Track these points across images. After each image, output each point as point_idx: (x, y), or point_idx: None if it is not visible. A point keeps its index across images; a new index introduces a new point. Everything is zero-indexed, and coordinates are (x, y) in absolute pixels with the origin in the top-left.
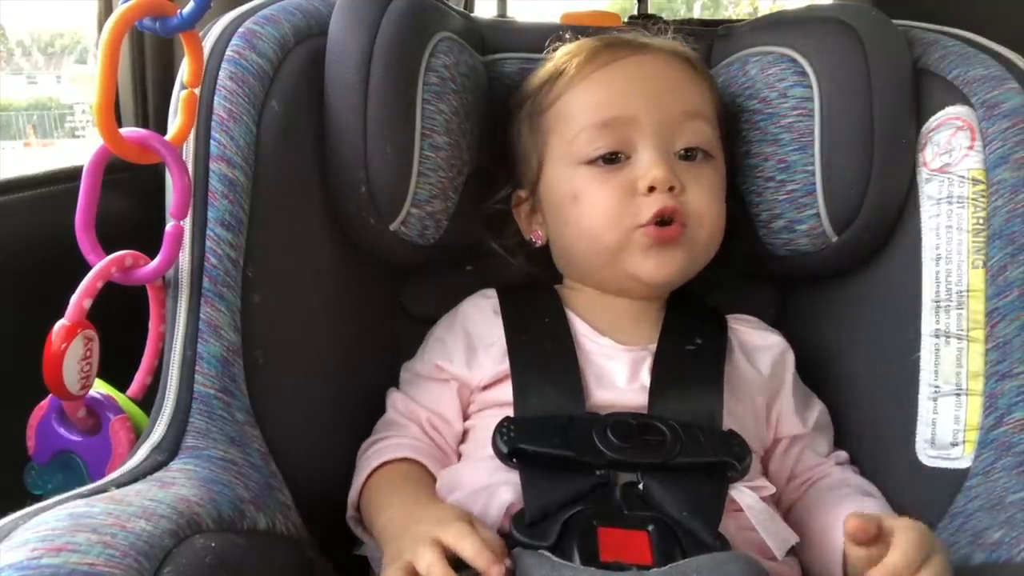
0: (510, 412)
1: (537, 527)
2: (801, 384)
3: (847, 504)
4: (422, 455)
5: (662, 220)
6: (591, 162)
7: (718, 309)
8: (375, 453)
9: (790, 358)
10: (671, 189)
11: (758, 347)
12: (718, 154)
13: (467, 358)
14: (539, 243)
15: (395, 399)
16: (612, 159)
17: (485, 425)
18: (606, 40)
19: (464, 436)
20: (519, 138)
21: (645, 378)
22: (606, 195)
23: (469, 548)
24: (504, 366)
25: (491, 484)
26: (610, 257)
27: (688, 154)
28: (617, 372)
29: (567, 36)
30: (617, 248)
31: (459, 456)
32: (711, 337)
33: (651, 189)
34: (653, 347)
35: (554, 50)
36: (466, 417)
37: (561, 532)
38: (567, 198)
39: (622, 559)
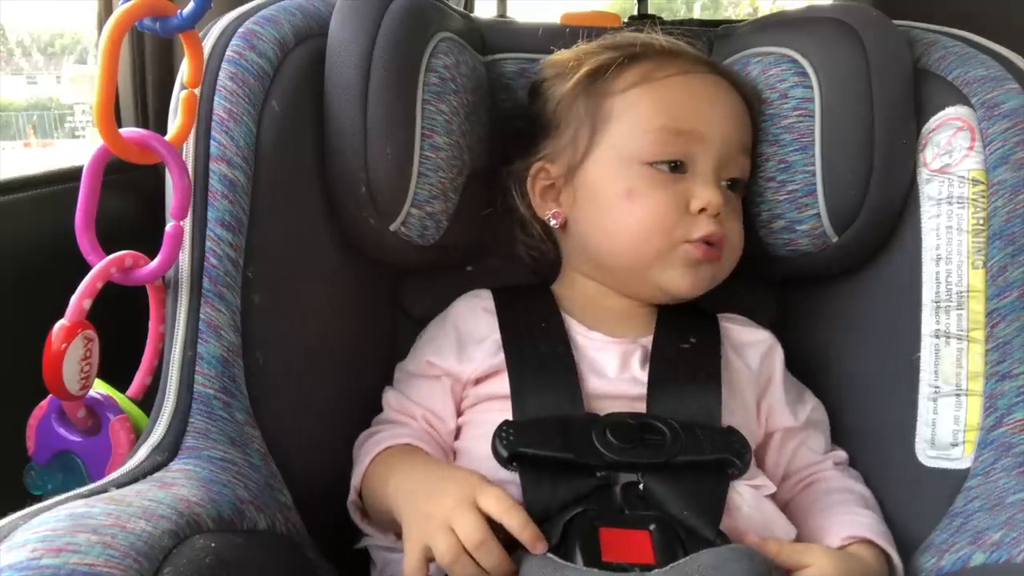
0: (505, 404)
1: (539, 528)
2: (795, 380)
3: (842, 512)
4: (423, 443)
5: (708, 241)
6: (651, 163)
7: (712, 308)
8: (377, 441)
9: (778, 352)
10: (717, 215)
11: (746, 343)
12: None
13: (458, 353)
14: (557, 224)
15: (389, 398)
16: (675, 167)
17: (481, 420)
18: (677, 46)
19: (458, 432)
20: (568, 111)
21: (636, 370)
22: (664, 202)
23: (517, 519)
24: (496, 360)
25: (498, 479)
26: (648, 262)
27: (732, 184)
28: (607, 363)
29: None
30: (658, 255)
31: (454, 452)
32: (705, 335)
33: (702, 211)
34: (643, 341)
35: (592, 39)
36: (460, 413)
37: (563, 533)
38: (619, 193)
39: (624, 559)
